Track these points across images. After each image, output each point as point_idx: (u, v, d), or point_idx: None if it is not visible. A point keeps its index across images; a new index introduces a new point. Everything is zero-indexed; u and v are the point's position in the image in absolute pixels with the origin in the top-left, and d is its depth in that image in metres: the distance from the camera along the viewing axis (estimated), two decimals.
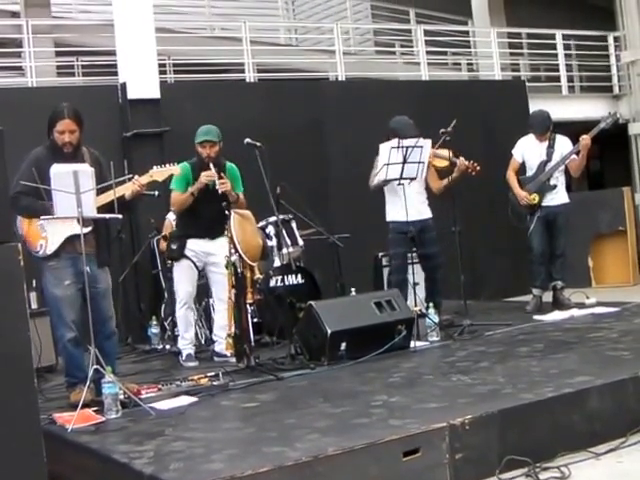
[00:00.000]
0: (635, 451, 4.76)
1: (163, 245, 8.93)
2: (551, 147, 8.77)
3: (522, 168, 8.97)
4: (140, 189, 6.22)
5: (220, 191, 7.26)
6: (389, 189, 8.11)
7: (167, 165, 6.65)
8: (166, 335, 8.65)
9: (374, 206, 8.74)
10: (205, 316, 8.49)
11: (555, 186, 8.75)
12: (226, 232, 7.35)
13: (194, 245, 7.48)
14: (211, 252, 7.49)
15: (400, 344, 7.02)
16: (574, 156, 8.73)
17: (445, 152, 8.27)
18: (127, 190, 6.13)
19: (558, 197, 8.78)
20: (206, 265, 7.55)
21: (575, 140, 8.85)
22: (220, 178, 7.32)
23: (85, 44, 12.51)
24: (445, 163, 8.24)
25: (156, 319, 8.79)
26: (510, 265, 11.88)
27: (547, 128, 8.77)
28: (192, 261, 7.48)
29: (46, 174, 5.78)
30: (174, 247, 7.54)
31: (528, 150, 8.86)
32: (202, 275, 7.74)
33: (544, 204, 8.72)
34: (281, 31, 16.44)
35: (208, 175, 7.27)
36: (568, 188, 9.08)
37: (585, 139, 8.57)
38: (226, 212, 7.16)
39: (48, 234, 6.01)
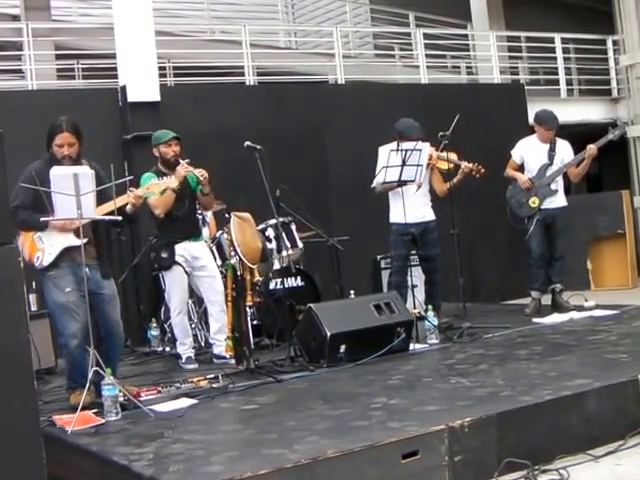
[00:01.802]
0: (634, 454, 4.76)
1: None
2: (552, 150, 8.77)
3: (520, 170, 8.97)
4: (137, 202, 6.21)
5: (203, 178, 7.20)
6: (393, 191, 8.12)
7: (164, 178, 6.64)
8: (166, 337, 8.65)
9: (373, 209, 8.76)
10: (205, 319, 8.49)
11: (556, 190, 8.77)
12: (205, 234, 7.41)
13: (182, 250, 7.47)
14: (197, 255, 7.52)
15: (399, 347, 7.03)
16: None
17: (452, 155, 8.27)
18: (123, 202, 6.10)
19: (557, 200, 8.80)
20: (193, 270, 7.54)
21: (575, 143, 8.87)
22: None
23: (85, 47, 12.50)
24: (449, 165, 8.24)
25: (156, 321, 8.78)
26: (509, 268, 11.88)
27: (557, 123, 8.78)
28: (182, 267, 7.48)
29: (44, 187, 5.77)
30: (165, 256, 7.44)
31: (529, 152, 8.87)
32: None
33: (543, 207, 8.74)
34: (281, 34, 16.44)
35: (186, 168, 7.18)
36: (567, 191, 9.10)
37: (592, 149, 8.58)
38: (226, 215, 7.19)
39: (45, 246, 6.00)
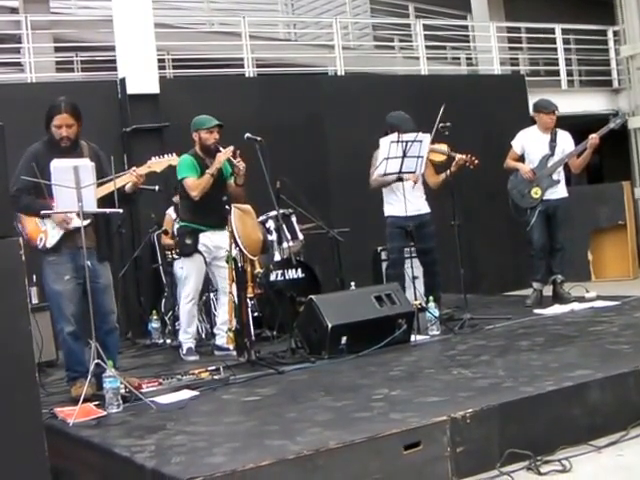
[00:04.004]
0: (636, 444, 4.76)
1: (164, 240, 8.94)
2: (553, 141, 8.76)
3: (520, 161, 8.96)
4: (138, 180, 6.21)
5: (242, 168, 7.26)
6: (389, 186, 8.12)
7: (165, 156, 6.65)
8: (166, 329, 8.67)
9: (373, 201, 8.74)
10: (205, 310, 8.50)
11: (558, 181, 8.77)
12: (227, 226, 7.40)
13: (206, 239, 7.48)
14: (221, 245, 7.47)
15: (400, 338, 7.03)
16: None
17: (443, 147, 8.25)
18: (125, 181, 6.13)
19: (559, 191, 8.79)
20: (214, 259, 7.53)
21: (576, 135, 8.86)
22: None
23: (84, 40, 12.48)
24: (442, 157, 8.23)
25: (156, 314, 8.79)
26: (509, 259, 11.89)
27: (556, 107, 8.78)
28: (203, 256, 7.48)
29: (45, 169, 5.79)
30: (189, 242, 7.48)
31: (529, 143, 8.85)
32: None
33: (545, 198, 8.73)
34: (280, 26, 16.41)
35: (226, 152, 7.26)
36: (567, 182, 9.09)
37: (594, 138, 8.57)
38: (227, 207, 7.18)
39: (47, 228, 6.02)
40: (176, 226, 7.93)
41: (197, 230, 7.48)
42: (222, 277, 7.54)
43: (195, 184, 7.39)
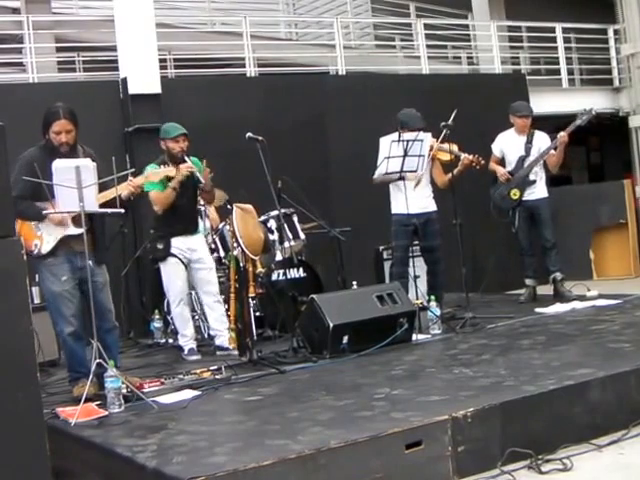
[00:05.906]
0: (637, 443, 4.76)
1: None
2: (529, 142, 8.91)
3: (501, 163, 9.03)
4: (135, 190, 6.22)
5: (203, 181, 7.24)
6: (394, 183, 8.13)
7: (162, 167, 6.66)
8: (168, 329, 8.66)
9: (375, 200, 8.75)
10: None
11: (534, 181, 8.87)
12: (203, 227, 7.47)
13: (178, 242, 7.48)
14: (193, 248, 7.52)
15: (402, 337, 7.03)
16: (552, 151, 8.81)
17: (453, 146, 8.25)
18: (122, 190, 6.11)
19: (537, 191, 8.92)
20: (190, 262, 7.56)
21: (576, 133, 8.88)
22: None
23: (86, 40, 12.50)
24: (449, 157, 8.23)
25: (158, 313, 8.79)
26: (511, 258, 11.86)
27: (531, 111, 8.91)
28: (178, 258, 7.49)
29: (43, 174, 5.76)
30: (160, 247, 7.49)
31: (507, 145, 9.02)
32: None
33: (524, 199, 8.87)
34: (281, 25, 16.42)
35: (188, 167, 7.20)
36: (568, 181, 9.12)
37: (563, 136, 8.71)
38: (228, 206, 7.18)
39: (43, 234, 6.00)
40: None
41: (169, 234, 7.49)
42: (200, 279, 7.58)
43: (159, 198, 7.35)
